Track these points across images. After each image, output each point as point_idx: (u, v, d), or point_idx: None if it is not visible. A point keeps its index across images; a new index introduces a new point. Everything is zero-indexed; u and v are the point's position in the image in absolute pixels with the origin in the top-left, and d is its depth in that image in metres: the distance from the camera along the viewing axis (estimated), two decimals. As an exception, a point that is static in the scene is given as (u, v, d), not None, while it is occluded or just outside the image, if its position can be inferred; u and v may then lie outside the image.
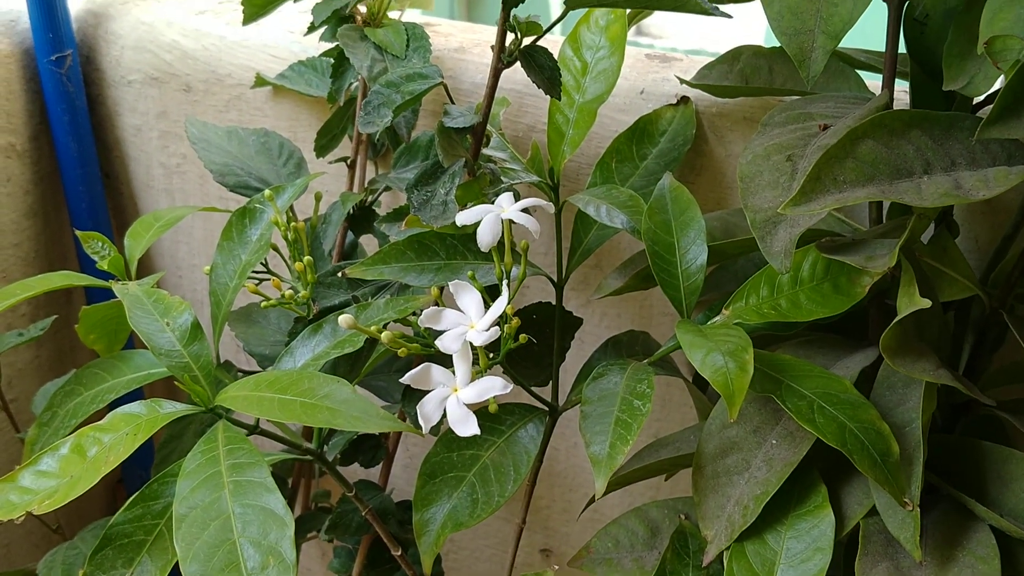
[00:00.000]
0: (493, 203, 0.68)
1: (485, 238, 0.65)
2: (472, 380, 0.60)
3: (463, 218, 0.67)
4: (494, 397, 0.62)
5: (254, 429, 0.65)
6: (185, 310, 0.66)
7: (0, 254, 1.09)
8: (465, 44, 0.95)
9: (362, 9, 0.83)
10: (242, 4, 0.86)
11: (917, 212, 0.60)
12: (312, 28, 0.83)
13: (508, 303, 0.62)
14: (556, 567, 1.06)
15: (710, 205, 0.86)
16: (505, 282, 0.66)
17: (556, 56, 0.74)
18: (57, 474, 0.59)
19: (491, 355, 0.65)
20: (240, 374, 0.87)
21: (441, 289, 0.67)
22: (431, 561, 0.68)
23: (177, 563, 0.56)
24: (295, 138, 1.01)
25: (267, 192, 0.77)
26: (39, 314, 1.14)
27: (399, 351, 0.63)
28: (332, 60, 0.87)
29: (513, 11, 0.67)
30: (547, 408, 0.74)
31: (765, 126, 0.66)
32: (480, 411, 0.61)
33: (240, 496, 0.56)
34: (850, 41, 0.66)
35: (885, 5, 0.66)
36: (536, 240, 0.67)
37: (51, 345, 1.19)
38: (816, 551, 0.62)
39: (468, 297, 0.62)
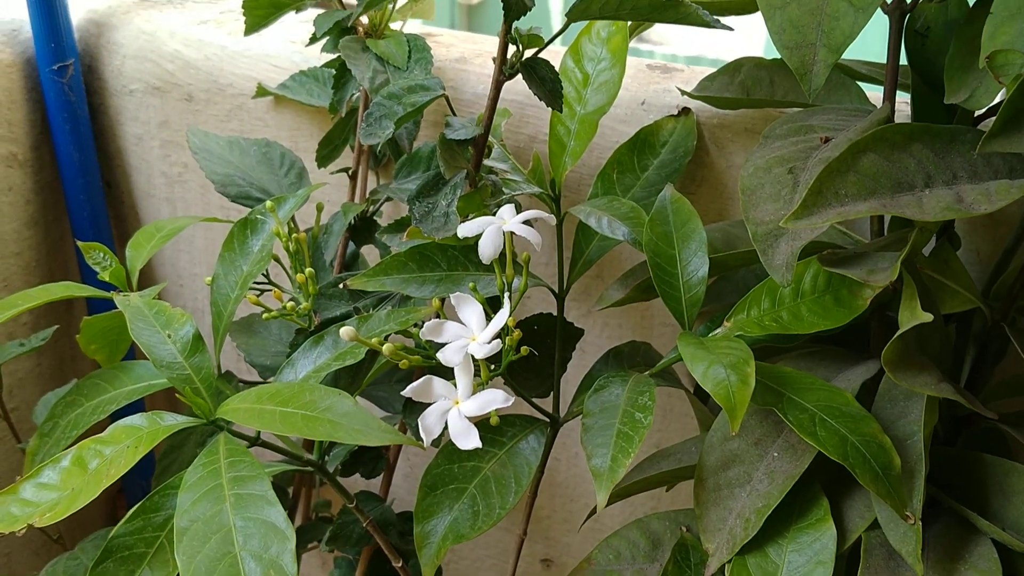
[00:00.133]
0: (494, 215, 0.68)
1: (487, 250, 0.65)
2: (473, 392, 0.60)
3: (465, 230, 0.67)
4: (495, 410, 0.62)
5: (255, 441, 0.65)
6: (186, 322, 0.66)
7: (2, 263, 1.09)
8: (466, 54, 0.95)
9: (364, 20, 0.83)
10: (244, 14, 0.86)
11: (919, 225, 0.60)
12: (314, 39, 0.83)
13: (509, 315, 0.62)
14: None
15: (711, 216, 0.86)
16: (506, 294, 0.66)
17: (557, 67, 0.75)
18: (58, 486, 0.59)
19: (492, 367, 0.65)
20: (241, 384, 0.87)
21: (442, 300, 0.67)
22: (432, 573, 0.68)
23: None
24: (296, 148, 1.01)
25: (268, 203, 0.77)
26: (40, 323, 1.14)
27: (400, 363, 0.63)
28: (334, 70, 0.87)
29: (514, 23, 0.67)
30: (548, 419, 0.74)
31: (766, 138, 0.66)
32: (481, 423, 0.61)
33: (241, 509, 0.56)
34: (851, 53, 0.66)
35: (886, 17, 0.66)
36: (537, 252, 0.67)
37: (52, 354, 1.19)
38: (818, 564, 0.62)
39: (469, 309, 0.62)
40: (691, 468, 0.69)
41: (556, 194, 0.78)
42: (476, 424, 0.60)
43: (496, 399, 0.59)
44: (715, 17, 0.65)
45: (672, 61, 0.95)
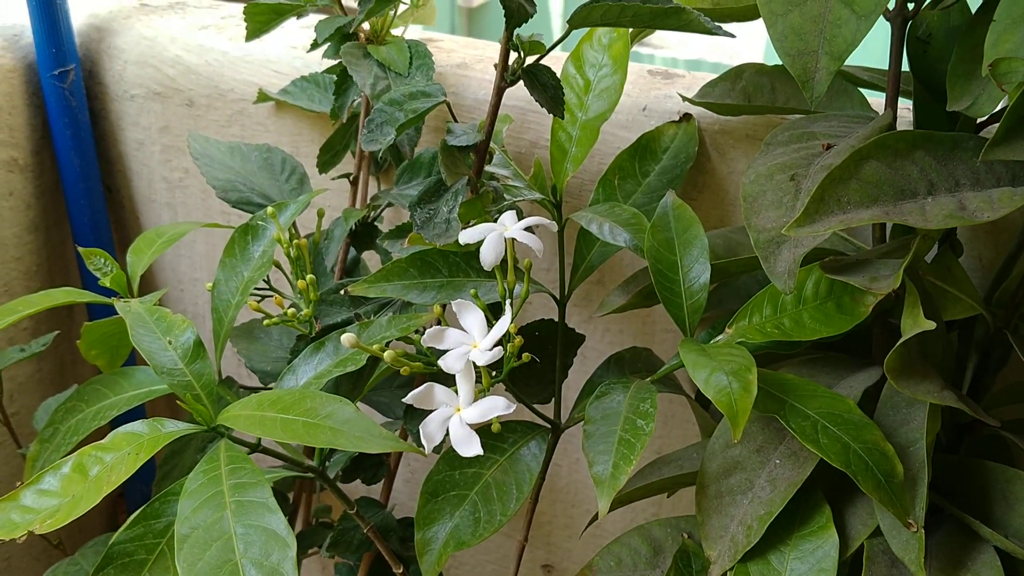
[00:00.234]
0: (496, 221, 0.68)
1: (488, 257, 0.65)
2: (475, 399, 0.60)
3: (466, 237, 0.67)
4: (497, 416, 0.62)
5: (256, 447, 0.65)
6: (187, 328, 0.66)
7: (2, 268, 1.09)
8: (467, 60, 0.95)
9: (365, 27, 0.83)
10: (245, 20, 0.86)
11: (921, 233, 0.60)
12: (315, 45, 0.83)
13: (511, 322, 0.62)
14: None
15: (712, 222, 0.86)
16: (508, 301, 0.65)
17: (559, 74, 0.74)
18: (59, 493, 0.59)
19: (494, 373, 0.65)
20: (242, 390, 0.87)
21: (444, 307, 0.67)
22: (433, 580, 0.68)
23: (179, 583, 0.56)
24: (297, 153, 1.01)
25: (270, 209, 0.77)
26: (41, 328, 1.14)
27: (402, 370, 0.63)
28: (335, 76, 0.87)
29: (516, 30, 0.67)
30: (549, 426, 0.74)
31: (768, 145, 0.66)
32: (482, 429, 0.61)
33: (242, 516, 0.56)
34: (853, 59, 0.66)
35: (888, 24, 0.66)
36: (539, 259, 0.67)
37: (52, 359, 1.19)
38: (820, 572, 0.62)
39: (471, 316, 0.62)
40: (693, 475, 0.69)
41: (557, 200, 0.78)
42: (477, 430, 0.59)
43: (498, 406, 0.59)
44: (717, 24, 0.64)
45: (672, 65, 0.96)
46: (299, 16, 0.87)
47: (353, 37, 0.83)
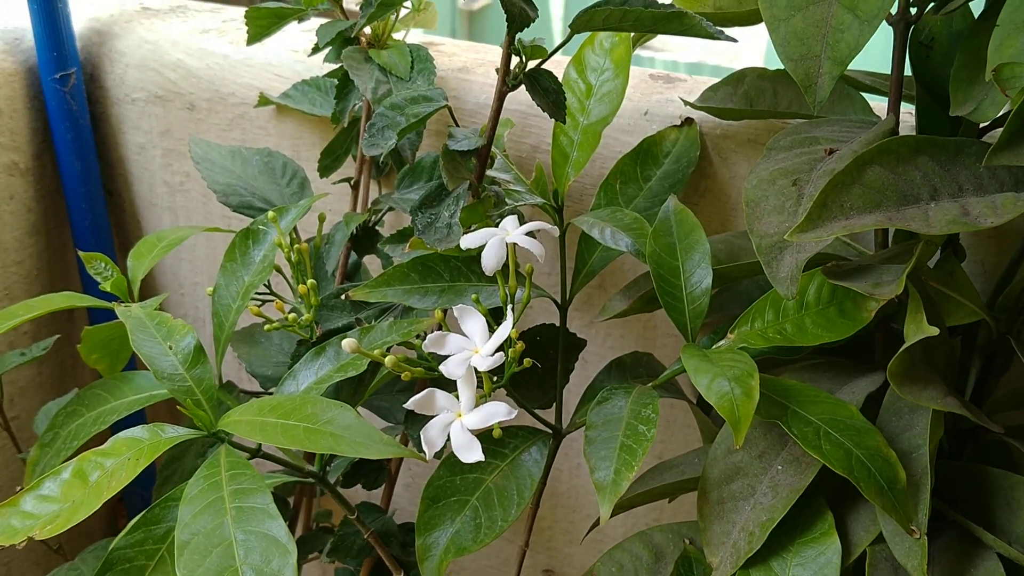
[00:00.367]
0: (497, 226, 0.68)
1: (490, 262, 0.65)
2: (476, 405, 0.60)
3: (468, 242, 0.66)
4: (498, 422, 0.61)
5: (256, 452, 0.65)
6: (188, 333, 0.66)
7: (3, 272, 1.09)
8: (469, 64, 0.95)
9: (366, 31, 0.83)
10: (246, 24, 0.86)
11: (924, 238, 0.60)
12: (316, 49, 0.83)
13: (512, 327, 0.62)
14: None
15: (714, 227, 0.86)
16: (509, 306, 0.65)
17: (560, 78, 0.74)
18: (59, 499, 0.59)
19: (495, 378, 0.64)
20: (242, 394, 0.87)
21: (445, 311, 0.67)
22: (434, 586, 0.68)
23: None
24: (298, 157, 1.01)
25: (270, 213, 0.76)
26: (41, 332, 1.14)
27: (403, 375, 0.62)
28: (336, 80, 0.86)
29: (518, 35, 0.67)
30: (551, 431, 0.74)
31: (770, 150, 0.66)
32: (483, 435, 0.61)
33: (242, 523, 0.56)
34: (855, 63, 0.66)
35: (890, 28, 0.66)
36: (540, 264, 0.67)
37: (53, 362, 1.19)
38: (822, 579, 0.61)
39: (472, 321, 0.62)
40: (694, 480, 0.68)
41: (559, 205, 0.77)
42: (478, 436, 0.59)
43: (499, 412, 0.59)
44: (718, 28, 0.64)
45: (673, 68, 0.96)
46: (300, 20, 0.87)
47: (354, 41, 0.83)
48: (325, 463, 0.72)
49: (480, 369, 0.60)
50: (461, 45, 1.01)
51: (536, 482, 0.70)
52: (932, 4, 0.65)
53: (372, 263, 0.96)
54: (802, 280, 0.63)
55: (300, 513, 1.00)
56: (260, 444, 0.64)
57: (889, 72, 0.67)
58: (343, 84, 0.85)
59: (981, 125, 0.67)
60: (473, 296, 0.68)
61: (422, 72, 0.79)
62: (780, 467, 0.64)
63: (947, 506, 0.65)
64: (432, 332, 0.63)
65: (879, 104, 0.77)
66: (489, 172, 0.75)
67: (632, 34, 0.79)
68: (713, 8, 0.73)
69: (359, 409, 0.74)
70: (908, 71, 0.69)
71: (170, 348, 0.66)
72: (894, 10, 0.65)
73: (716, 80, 0.83)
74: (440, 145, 0.72)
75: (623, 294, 0.79)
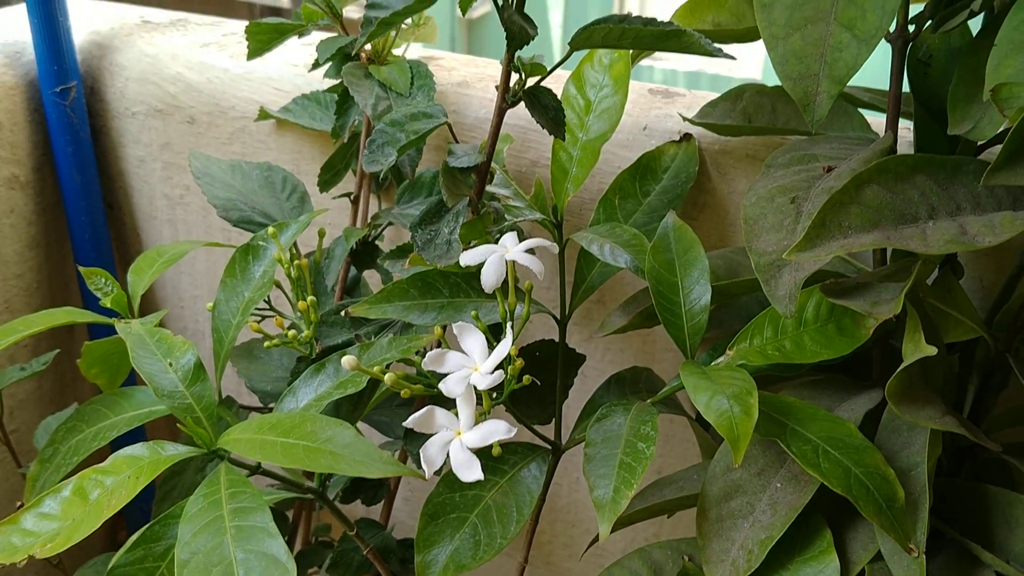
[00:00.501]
0: (497, 242, 0.68)
1: (489, 280, 0.65)
2: (476, 422, 0.60)
3: (467, 259, 0.67)
4: (497, 440, 0.61)
5: (256, 469, 0.65)
6: (188, 350, 0.66)
7: (3, 285, 1.09)
8: (468, 78, 0.95)
9: (366, 47, 0.83)
10: (247, 39, 0.86)
11: (922, 257, 0.60)
12: (317, 65, 0.83)
13: (512, 344, 0.62)
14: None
15: (713, 242, 0.86)
16: (508, 324, 0.65)
17: (560, 93, 0.74)
18: (59, 517, 0.59)
19: (494, 395, 0.64)
20: (241, 409, 0.87)
21: (444, 327, 0.67)
22: (433, 602, 0.68)
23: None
24: (298, 171, 1.01)
25: (270, 229, 0.77)
26: (41, 344, 1.14)
27: (402, 392, 0.63)
28: (336, 95, 0.87)
29: (517, 52, 0.67)
30: (550, 447, 0.74)
31: (769, 167, 0.66)
32: (482, 451, 0.61)
33: (242, 541, 0.56)
34: (853, 79, 0.66)
35: (888, 44, 0.66)
36: (540, 281, 0.67)
37: (53, 376, 1.19)
38: (821, 597, 0.61)
39: (472, 339, 0.62)
40: (693, 497, 0.68)
41: (558, 220, 0.78)
42: (477, 452, 0.59)
43: (498, 430, 0.59)
44: (717, 46, 0.65)
45: (672, 76, 0.96)
46: (300, 35, 0.87)
47: (355, 57, 0.83)
48: (324, 479, 0.72)
49: (479, 388, 0.60)
50: (460, 59, 1.01)
51: (535, 499, 0.70)
52: (930, 22, 0.65)
53: (372, 277, 0.96)
54: (800, 297, 0.63)
55: (299, 527, 1.00)
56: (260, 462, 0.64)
57: (887, 88, 0.67)
58: (343, 100, 0.85)
59: (979, 142, 0.67)
60: (472, 313, 0.68)
61: (422, 88, 0.79)
62: (779, 485, 0.64)
63: (946, 524, 0.65)
64: (431, 349, 0.64)
65: (877, 120, 0.77)
66: (489, 188, 0.76)
67: (631, 51, 0.79)
68: (712, 25, 0.74)
69: (358, 424, 0.74)
70: (906, 88, 0.69)
71: (170, 365, 0.66)
72: (892, 28, 0.65)
73: (715, 94, 0.83)
74: (440, 160, 0.72)
75: (622, 310, 0.79)
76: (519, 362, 0.64)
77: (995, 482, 0.66)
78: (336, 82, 0.88)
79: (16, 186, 1.08)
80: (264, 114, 1.00)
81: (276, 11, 3.83)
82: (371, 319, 0.74)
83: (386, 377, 0.61)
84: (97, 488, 0.59)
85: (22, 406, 1.15)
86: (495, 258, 0.65)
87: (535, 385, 0.68)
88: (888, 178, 0.57)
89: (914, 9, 0.67)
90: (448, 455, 0.59)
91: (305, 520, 1.00)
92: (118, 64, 1.09)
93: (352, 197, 0.93)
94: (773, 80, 0.60)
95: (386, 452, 0.59)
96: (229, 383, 1.15)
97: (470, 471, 0.58)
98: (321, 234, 0.88)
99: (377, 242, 0.90)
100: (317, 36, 0.93)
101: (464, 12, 0.63)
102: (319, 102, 0.96)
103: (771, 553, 0.62)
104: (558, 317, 0.77)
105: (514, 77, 0.69)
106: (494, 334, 0.65)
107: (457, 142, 0.76)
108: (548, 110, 0.69)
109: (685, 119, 0.82)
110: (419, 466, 0.60)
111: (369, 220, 0.91)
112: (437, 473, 0.62)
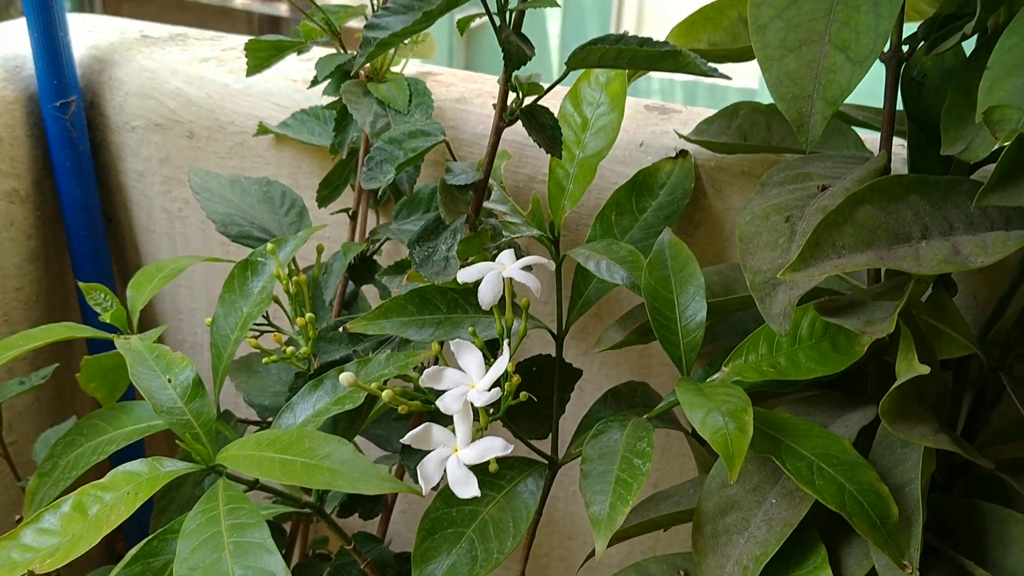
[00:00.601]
0: (494, 259, 0.68)
1: (486, 297, 0.66)
2: (473, 438, 0.60)
3: (465, 276, 0.67)
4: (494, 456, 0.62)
5: (254, 485, 0.65)
6: (187, 366, 0.67)
7: (3, 297, 1.10)
8: (466, 94, 0.96)
9: (365, 64, 0.83)
10: (246, 56, 0.87)
11: (916, 276, 0.60)
12: (315, 82, 0.84)
13: (509, 361, 0.62)
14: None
15: (709, 258, 0.86)
16: (506, 341, 0.66)
17: (557, 110, 0.75)
18: (58, 532, 0.59)
19: (491, 411, 0.65)
20: (239, 423, 0.87)
21: (442, 343, 0.67)
22: (430, 617, 0.68)
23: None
24: (297, 185, 1.02)
25: (269, 245, 0.77)
26: (40, 358, 1.14)
27: (399, 408, 0.63)
28: (335, 111, 0.87)
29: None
30: (547, 461, 0.74)
31: (764, 186, 0.66)
32: (479, 467, 0.61)
33: (240, 557, 0.56)
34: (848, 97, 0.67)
35: (882, 63, 0.67)
36: (536, 298, 0.67)
37: (51, 388, 1.19)
38: (816, 613, 0.62)
39: (469, 356, 0.63)
40: (689, 512, 0.69)
41: (555, 236, 0.78)
42: (473, 468, 0.60)
43: (495, 447, 0.59)
44: (712, 66, 0.65)
45: (669, 85, 0.97)
46: (300, 52, 0.88)
47: (353, 75, 0.84)
48: (322, 494, 0.72)
49: (476, 405, 0.60)
50: (459, 75, 1.02)
51: (532, 514, 0.71)
52: (923, 43, 0.65)
53: (369, 291, 0.96)
54: (795, 314, 0.63)
55: (297, 540, 1.00)
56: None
57: (881, 106, 0.68)
58: (342, 116, 0.85)
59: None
60: (470, 329, 0.68)
61: (420, 106, 0.79)
62: (774, 500, 0.65)
63: (939, 541, 0.65)
64: (429, 364, 0.64)
65: (872, 137, 0.78)
66: (486, 204, 0.76)
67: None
68: (708, 44, 0.74)
69: (356, 438, 0.74)
70: (900, 105, 0.70)
71: (169, 381, 0.66)
72: (887, 48, 0.66)
73: (711, 110, 0.83)
74: (437, 175, 0.73)
75: (619, 325, 0.79)
76: (516, 378, 0.64)
77: (990, 497, 0.66)
78: (335, 99, 0.88)
79: (16, 200, 1.08)
80: (263, 129, 1.00)
81: (274, 19, 3.84)
82: (369, 335, 0.75)
83: (384, 394, 0.62)
84: (96, 504, 0.60)
85: (21, 418, 1.15)
86: (492, 275, 0.66)
87: (532, 400, 0.68)
88: (882, 198, 0.58)
89: (908, 29, 0.67)
90: (445, 471, 0.60)
91: (302, 533, 1.00)
92: (118, 78, 1.09)
93: (350, 212, 0.94)
94: (769, 92, 0.61)
95: (383, 468, 0.59)
96: (227, 396, 1.15)
97: (467, 488, 0.59)
98: (319, 250, 0.89)
99: (375, 257, 0.91)
100: (316, 51, 0.93)
101: (462, 33, 0.64)
102: (318, 117, 0.96)
103: (766, 569, 0.62)
104: (555, 332, 0.77)
105: (511, 96, 0.70)
106: (491, 350, 0.65)
107: (455, 159, 0.76)
108: (545, 129, 0.70)
109: (681, 136, 0.82)
110: (416, 481, 0.60)
111: (367, 235, 0.91)
112: (434, 489, 0.63)
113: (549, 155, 0.80)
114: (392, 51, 0.84)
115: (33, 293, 1.13)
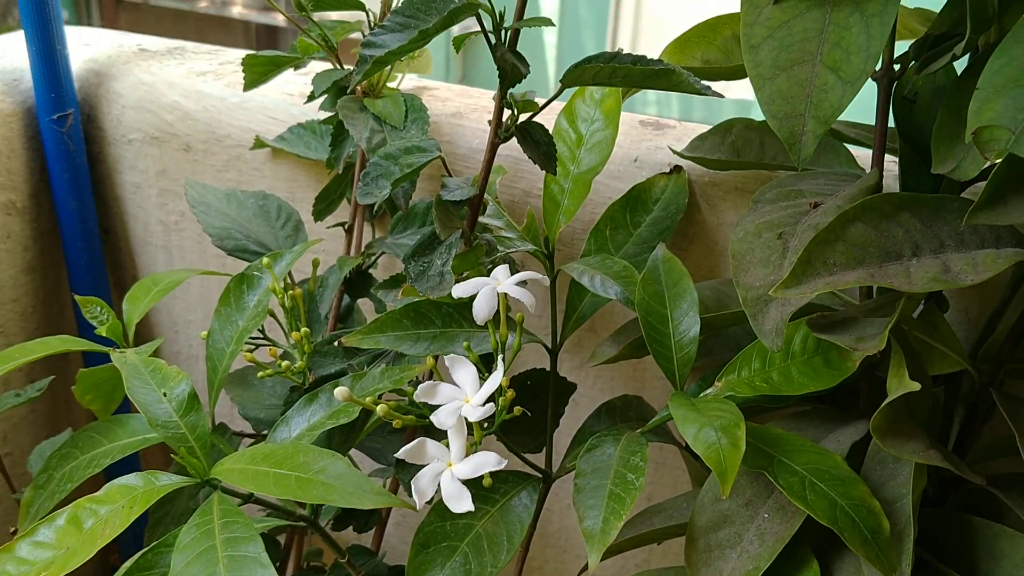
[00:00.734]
0: (489, 273, 0.69)
1: (481, 312, 0.66)
2: (467, 453, 0.61)
3: (459, 291, 0.67)
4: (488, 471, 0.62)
5: (249, 498, 0.65)
6: (182, 380, 0.67)
7: (-2, 309, 1.10)
8: (462, 109, 0.96)
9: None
10: (243, 71, 0.87)
11: (907, 294, 0.61)
12: (312, 97, 0.84)
13: (503, 375, 0.63)
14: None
15: (702, 272, 0.87)
16: (500, 355, 0.66)
17: (551, 126, 0.75)
18: (53, 545, 0.59)
19: (485, 425, 0.65)
20: (234, 436, 0.88)
21: (436, 358, 0.68)
22: (424, 631, 0.68)
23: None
24: (293, 199, 1.02)
25: (265, 259, 0.77)
26: (35, 369, 1.14)
27: (394, 423, 0.63)
28: (331, 125, 0.88)
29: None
30: (540, 475, 0.75)
31: (756, 203, 0.67)
32: (473, 481, 0.62)
33: (235, 571, 0.56)
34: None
35: (874, 82, 0.67)
36: (531, 313, 0.68)
37: (47, 401, 1.19)
38: (807, 627, 0.62)
39: (463, 371, 0.63)
40: (682, 525, 0.69)
41: (550, 251, 0.79)
42: (467, 482, 0.60)
43: (489, 462, 0.60)
44: (706, 84, 0.66)
45: (664, 97, 0.97)
46: (296, 67, 0.88)
47: (350, 90, 0.84)
48: (316, 507, 0.73)
49: (471, 420, 0.61)
50: (454, 89, 1.02)
51: (526, 527, 0.71)
52: (914, 63, 0.66)
53: (365, 305, 0.96)
54: (788, 330, 0.64)
55: (291, 552, 1.00)
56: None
57: (871, 120, 0.68)
58: (338, 132, 0.86)
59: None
60: (464, 344, 0.69)
61: (416, 121, 0.80)
62: (767, 515, 0.65)
63: (930, 555, 0.66)
64: (424, 379, 0.64)
65: (864, 154, 0.78)
66: (481, 219, 0.77)
67: (622, 86, 0.80)
68: (701, 62, 0.75)
69: (351, 451, 0.75)
70: (892, 122, 0.70)
71: (164, 395, 0.66)
72: (878, 67, 0.66)
73: (706, 126, 0.84)
74: (433, 189, 0.73)
75: (612, 340, 0.80)
76: (510, 393, 0.64)
77: (981, 511, 0.66)
78: (332, 113, 0.89)
79: (13, 212, 1.08)
80: (260, 143, 1.01)
81: (271, 29, 3.85)
82: (364, 348, 0.75)
83: (378, 408, 0.62)
84: (91, 517, 0.60)
85: (16, 430, 1.16)
86: (487, 291, 0.66)
87: (526, 414, 0.69)
88: (873, 216, 0.58)
89: (900, 48, 0.68)
90: (439, 486, 0.60)
91: (297, 545, 1.00)
92: (115, 92, 1.10)
93: (346, 226, 0.94)
94: (762, 111, 0.61)
95: (377, 482, 0.60)
96: (222, 408, 1.15)
97: (460, 502, 0.59)
98: (315, 263, 0.89)
99: (371, 271, 0.91)
100: (313, 66, 0.94)
101: (458, 50, 0.65)
102: (314, 131, 0.97)
103: (758, 584, 0.63)
104: (549, 346, 0.77)
105: (506, 113, 0.70)
106: (486, 364, 0.66)
107: (450, 175, 0.77)
108: (540, 145, 0.70)
109: (675, 152, 0.83)
110: (410, 495, 0.61)
111: (363, 249, 0.91)
112: (428, 503, 0.63)
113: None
114: (388, 68, 0.85)
115: (29, 305, 1.13)
